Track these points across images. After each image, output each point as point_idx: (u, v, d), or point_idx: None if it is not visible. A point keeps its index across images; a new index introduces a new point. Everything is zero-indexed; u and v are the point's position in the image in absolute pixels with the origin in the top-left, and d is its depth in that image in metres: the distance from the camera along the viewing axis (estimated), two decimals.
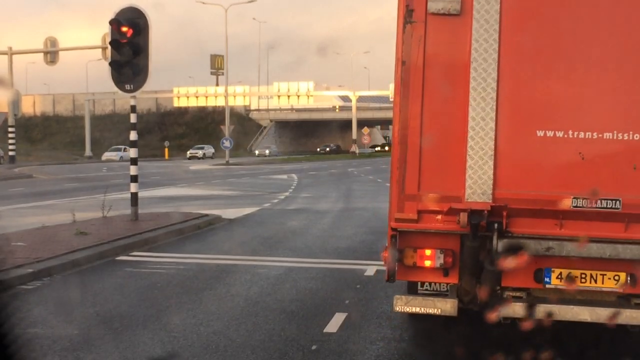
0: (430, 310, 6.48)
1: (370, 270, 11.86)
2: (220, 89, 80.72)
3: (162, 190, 30.96)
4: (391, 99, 67.51)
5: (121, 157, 70.67)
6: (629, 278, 6.34)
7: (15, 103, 47.05)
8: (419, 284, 6.95)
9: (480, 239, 6.20)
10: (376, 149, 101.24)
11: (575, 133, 6.19)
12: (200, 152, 79.59)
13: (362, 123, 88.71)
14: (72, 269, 11.37)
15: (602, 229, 6.20)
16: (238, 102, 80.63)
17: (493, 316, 5.49)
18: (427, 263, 6.50)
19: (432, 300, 6.54)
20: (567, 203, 6.15)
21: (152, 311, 9.01)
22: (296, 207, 23.68)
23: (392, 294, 9.69)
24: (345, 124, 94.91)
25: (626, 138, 6.16)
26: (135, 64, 16.72)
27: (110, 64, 16.82)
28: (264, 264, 12.47)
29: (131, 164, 17.46)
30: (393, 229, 6.47)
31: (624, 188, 6.15)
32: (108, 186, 28.24)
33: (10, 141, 53.84)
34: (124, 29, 16.51)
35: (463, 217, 6.16)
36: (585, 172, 6.19)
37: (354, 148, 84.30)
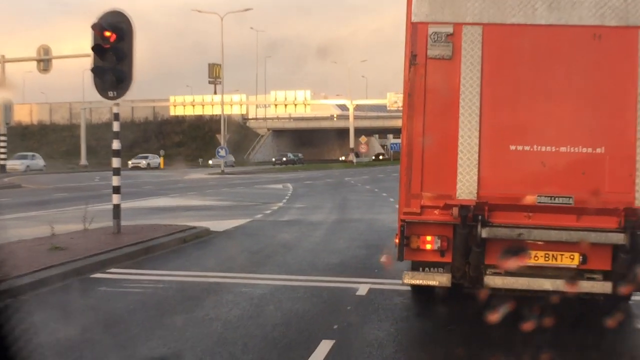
0: (430, 282, 8.36)
1: (363, 289, 11.02)
2: (217, 97, 79.97)
3: (153, 200, 30.11)
4: (389, 108, 66.71)
5: (27, 166, 64.04)
6: (581, 257, 8.18)
7: (7, 111, 46.22)
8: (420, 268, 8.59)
9: (468, 227, 8.12)
10: (380, 157, 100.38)
11: (539, 147, 8.11)
12: (143, 162, 76.48)
13: (360, 132, 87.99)
14: (40, 289, 10.47)
15: (559, 219, 8.03)
16: (235, 111, 79.81)
17: (484, 293, 7.85)
18: (428, 246, 8.40)
19: (431, 274, 8.41)
20: (533, 200, 8.04)
21: (118, 339, 8.13)
22: (289, 218, 22.83)
23: (384, 318, 8.88)
24: (343, 133, 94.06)
25: (577, 151, 8.10)
26: (119, 70, 15.91)
27: (92, 70, 15.97)
28: (249, 282, 11.62)
29: (114, 174, 16.62)
30: (402, 220, 8.34)
31: (576, 188, 8.02)
32: (97, 196, 27.40)
33: (1, 150, 52.93)
34: (107, 33, 15.70)
35: (455, 211, 8.08)
36: (547, 177, 8.12)
37: (351, 157, 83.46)
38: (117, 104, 16.37)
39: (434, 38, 8.28)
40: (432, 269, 8.57)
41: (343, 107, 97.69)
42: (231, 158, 77.86)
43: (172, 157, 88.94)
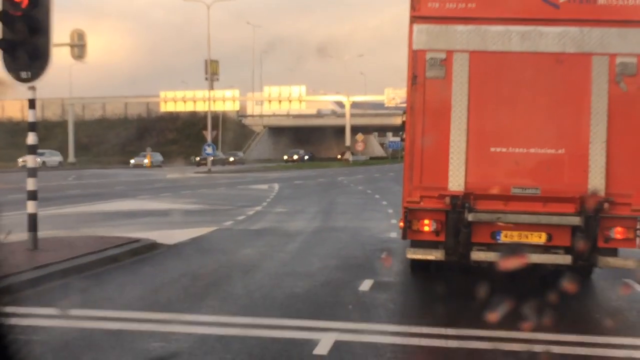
0: (428, 257, 10.52)
1: (325, 344, 7.65)
2: (207, 93, 76.15)
3: (117, 203, 26.60)
4: (386, 105, 63.46)
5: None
6: (547, 236, 10.34)
7: None
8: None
9: (457, 213, 10.18)
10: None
11: (513, 149, 10.28)
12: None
13: (357, 129, 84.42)
14: None
15: (530, 206, 10.18)
16: (227, 107, 76.17)
17: (470, 263, 10.34)
18: (426, 228, 10.50)
19: (429, 250, 10.48)
20: (508, 191, 10.20)
21: None
22: (262, 226, 19.34)
23: None
24: (342, 131, 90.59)
25: (543, 152, 10.28)
26: (33, 45, 12.43)
27: None
28: (167, 330, 8.14)
29: (28, 177, 13.16)
30: (405, 208, 10.41)
31: (542, 181, 10.22)
32: (52, 199, 23.92)
33: None
34: None
35: (447, 199, 10.20)
36: (519, 172, 10.29)
37: (348, 155, 79.90)
38: (33, 88, 12.85)
39: (431, 62, 10.21)
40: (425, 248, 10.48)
41: (341, 105, 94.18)
42: (221, 155, 74.24)
43: (166, 154, 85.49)
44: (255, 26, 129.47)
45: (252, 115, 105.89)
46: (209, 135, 55.81)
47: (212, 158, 56.63)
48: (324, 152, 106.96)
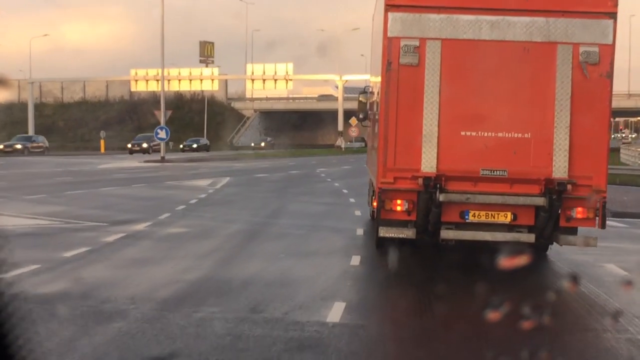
0: (400, 235, 10.87)
1: None
2: (185, 72, 65.40)
3: None
4: None
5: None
6: (512, 215, 10.56)
7: None
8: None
9: (429, 193, 10.37)
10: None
11: (482, 133, 10.46)
12: (145, 145, 61.90)
13: (352, 114, 73.56)
14: None
15: (497, 187, 10.42)
16: (205, 87, 65.86)
17: (439, 241, 10.93)
18: (398, 208, 10.68)
19: (400, 229, 10.82)
20: (477, 173, 10.42)
21: None
22: (61, 288, 8.89)
23: None
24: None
25: (510, 136, 10.46)
26: None
27: None
28: None
29: None
30: (379, 188, 10.67)
31: (509, 164, 10.42)
32: None
33: None
34: None
35: (420, 180, 10.37)
36: (488, 156, 10.43)
37: (339, 142, 69.22)
38: None
39: (405, 49, 10.48)
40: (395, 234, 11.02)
41: (335, 86, 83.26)
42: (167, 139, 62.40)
43: (148, 139, 74.88)
44: (248, 3, 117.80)
45: (242, 99, 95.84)
46: (162, 116, 45.34)
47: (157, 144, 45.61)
48: (321, 139, 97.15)
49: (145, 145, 62.74)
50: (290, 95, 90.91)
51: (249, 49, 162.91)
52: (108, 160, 46.02)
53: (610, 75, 10.38)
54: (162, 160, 45.20)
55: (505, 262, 3.06)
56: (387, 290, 10.46)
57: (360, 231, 15.19)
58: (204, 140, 73.76)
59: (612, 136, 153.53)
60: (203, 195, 22.36)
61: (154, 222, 16.01)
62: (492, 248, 9.82)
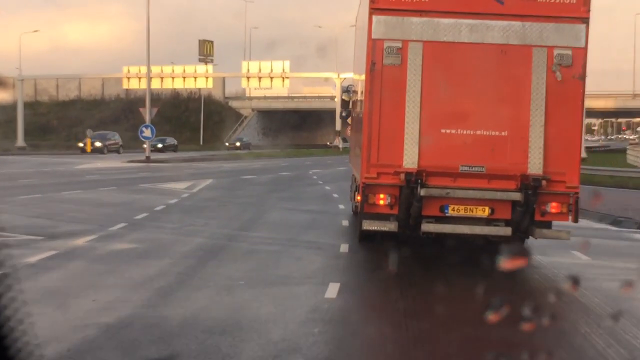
0: (383, 228, 11.09)
1: None
2: (179, 69, 62.78)
3: None
4: None
5: None
6: (490, 209, 10.86)
7: None
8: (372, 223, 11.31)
9: (410, 188, 10.66)
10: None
11: (462, 131, 10.80)
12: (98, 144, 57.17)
13: None
14: None
15: (476, 183, 10.76)
16: (199, 85, 63.34)
17: (420, 234, 11.11)
18: (381, 202, 10.95)
19: (383, 222, 11.03)
20: (457, 169, 10.77)
21: None
22: None
23: None
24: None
25: (488, 134, 10.80)
26: None
27: None
28: None
29: None
30: (363, 183, 11.00)
31: (487, 161, 10.77)
32: None
33: None
34: None
35: (402, 176, 10.67)
36: (467, 152, 10.79)
37: (337, 142, 66.60)
38: None
39: (388, 50, 10.78)
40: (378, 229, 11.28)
41: (335, 86, 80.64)
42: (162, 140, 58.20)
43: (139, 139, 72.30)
44: (248, 1, 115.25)
45: (240, 97, 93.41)
46: (147, 114, 42.69)
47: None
48: (320, 139, 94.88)
49: (98, 144, 56.92)
50: (290, 95, 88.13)
51: (248, 47, 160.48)
52: (90, 160, 43.25)
53: (582, 77, 10.90)
54: (147, 160, 42.61)
55: (505, 264, 2.80)
56: (367, 340, 7.82)
57: (344, 247, 12.66)
58: (171, 140, 67.75)
59: (614, 137, 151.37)
60: (173, 201, 19.76)
61: (100, 235, 13.44)
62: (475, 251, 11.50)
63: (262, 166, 40.31)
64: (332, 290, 9.32)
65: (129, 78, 65.00)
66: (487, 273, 5.96)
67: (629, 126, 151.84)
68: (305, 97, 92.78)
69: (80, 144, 58.04)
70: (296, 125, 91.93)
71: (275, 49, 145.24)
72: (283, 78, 63.96)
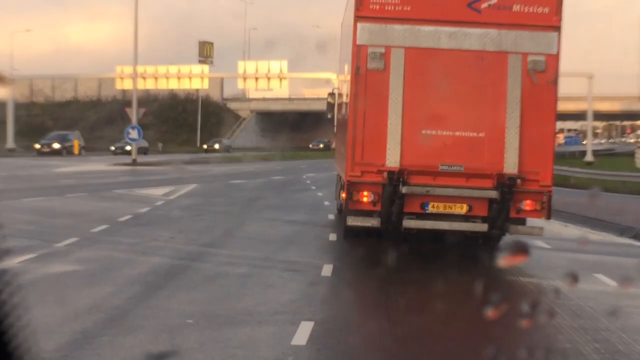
0: (366, 224, 11.46)
1: None
2: (173, 69, 60.85)
3: None
4: None
5: None
6: (468, 207, 11.27)
7: None
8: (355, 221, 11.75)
9: (393, 186, 11.07)
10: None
11: (442, 132, 11.23)
12: (56, 145, 54.13)
13: None
14: None
15: (455, 181, 11.17)
16: (195, 85, 61.37)
17: (401, 230, 11.38)
18: (365, 199, 11.38)
19: (367, 218, 11.44)
20: (437, 168, 11.15)
21: None
22: None
23: None
24: None
25: (467, 135, 11.23)
26: None
27: None
28: None
29: None
30: (348, 181, 11.38)
31: (466, 160, 11.19)
32: None
33: None
34: None
35: (384, 174, 11.07)
36: (447, 152, 11.20)
37: (335, 144, 64.43)
38: None
39: (372, 56, 11.19)
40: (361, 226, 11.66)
41: (334, 86, 78.56)
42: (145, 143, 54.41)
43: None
44: (247, 2, 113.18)
45: (238, 99, 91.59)
46: (133, 114, 40.61)
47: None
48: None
49: (57, 145, 53.86)
50: (291, 96, 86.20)
51: (247, 49, 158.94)
52: (74, 163, 41.01)
53: (555, 82, 11.30)
54: (134, 163, 40.29)
55: (505, 260, 3.08)
56: None
57: (327, 269, 10.62)
58: (141, 142, 64.39)
59: (616, 139, 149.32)
60: (144, 210, 17.63)
61: (40, 254, 11.34)
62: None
63: (255, 170, 38.16)
64: (303, 333, 7.25)
65: (122, 78, 63.04)
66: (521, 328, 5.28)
67: (634, 129, 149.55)
68: (304, 99, 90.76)
69: (37, 146, 55.04)
70: (295, 127, 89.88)
71: (274, 50, 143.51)
72: (281, 79, 61.99)
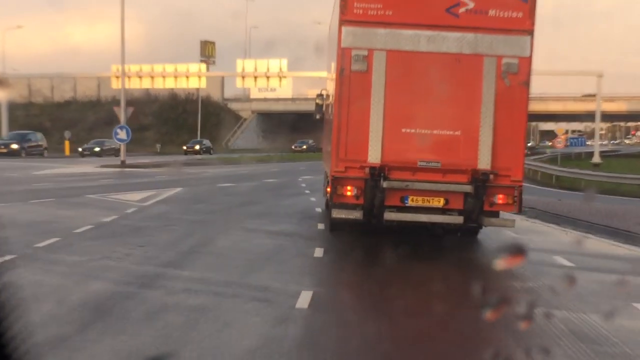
0: (350, 217, 12.01)
1: None
2: (170, 68, 59.02)
3: None
4: None
5: None
6: (445, 200, 11.84)
7: None
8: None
9: (374, 181, 11.67)
10: None
11: (420, 130, 11.72)
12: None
13: None
14: None
15: (432, 176, 11.73)
16: (192, 84, 59.47)
17: (383, 222, 11.87)
18: (348, 193, 11.89)
19: (350, 211, 11.97)
20: (416, 164, 11.71)
21: None
22: None
23: None
24: None
25: (443, 133, 11.74)
26: None
27: None
28: None
29: None
30: (332, 176, 11.97)
31: (442, 156, 11.74)
32: None
33: None
34: None
35: (367, 170, 11.69)
36: (425, 149, 11.71)
37: None
38: None
39: (355, 58, 11.68)
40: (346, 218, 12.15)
41: None
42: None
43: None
44: (248, 0, 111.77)
45: (239, 99, 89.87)
46: (121, 114, 38.53)
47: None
48: (321, 141, 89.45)
49: (15, 146, 50.08)
50: (293, 97, 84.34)
51: (247, 47, 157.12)
52: (60, 165, 38.82)
53: (527, 84, 11.84)
54: (122, 165, 38.15)
55: (503, 262, 2.86)
56: None
57: (305, 298, 8.52)
58: (111, 142, 60.63)
59: (619, 140, 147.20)
60: (110, 219, 15.30)
61: None
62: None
63: (250, 172, 36.09)
64: None
65: (117, 77, 61.37)
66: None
67: (639, 130, 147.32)
68: (307, 99, 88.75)
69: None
70: (296, 127, 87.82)
71: (275, 49, 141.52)
72: (280, 77, 60.03)
